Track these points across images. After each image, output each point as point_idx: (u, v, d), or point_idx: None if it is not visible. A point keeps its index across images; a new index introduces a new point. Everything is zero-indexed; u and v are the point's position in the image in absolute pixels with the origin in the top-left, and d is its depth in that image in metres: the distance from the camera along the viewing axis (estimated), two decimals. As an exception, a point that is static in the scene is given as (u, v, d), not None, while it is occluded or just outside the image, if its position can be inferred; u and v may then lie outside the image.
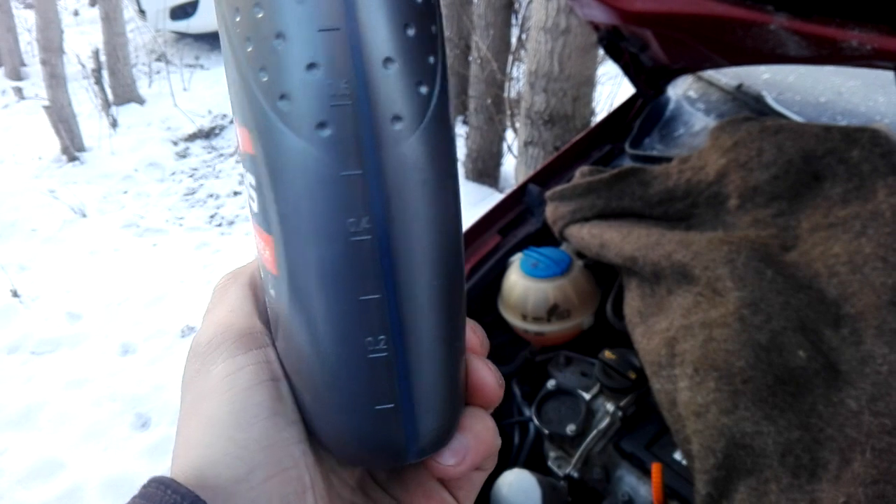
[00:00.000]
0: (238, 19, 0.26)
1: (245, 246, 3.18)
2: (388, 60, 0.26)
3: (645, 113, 1.36)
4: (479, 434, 0.33)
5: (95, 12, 5.51)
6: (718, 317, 0.83)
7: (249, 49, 0.26)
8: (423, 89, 0.27)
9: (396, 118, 0.26)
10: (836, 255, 0.86)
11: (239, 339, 0.31)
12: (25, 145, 4.37)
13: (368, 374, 0.29)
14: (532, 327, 1.10)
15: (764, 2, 0.98)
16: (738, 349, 0.79)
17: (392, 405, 0.29)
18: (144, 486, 0.28)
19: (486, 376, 0.33)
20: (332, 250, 0.27)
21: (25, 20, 5.58)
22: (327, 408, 0.30)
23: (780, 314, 0.81)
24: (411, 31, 0.26)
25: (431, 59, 0.27)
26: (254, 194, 0.29)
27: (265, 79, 0.26)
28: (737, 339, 0.80)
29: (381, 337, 0.28)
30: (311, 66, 0.25)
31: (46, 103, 4.07)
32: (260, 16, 0.26)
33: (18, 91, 5.18)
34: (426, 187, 0.28)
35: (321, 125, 0.26)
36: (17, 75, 5.56)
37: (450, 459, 0.32)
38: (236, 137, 0.30)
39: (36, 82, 5.10)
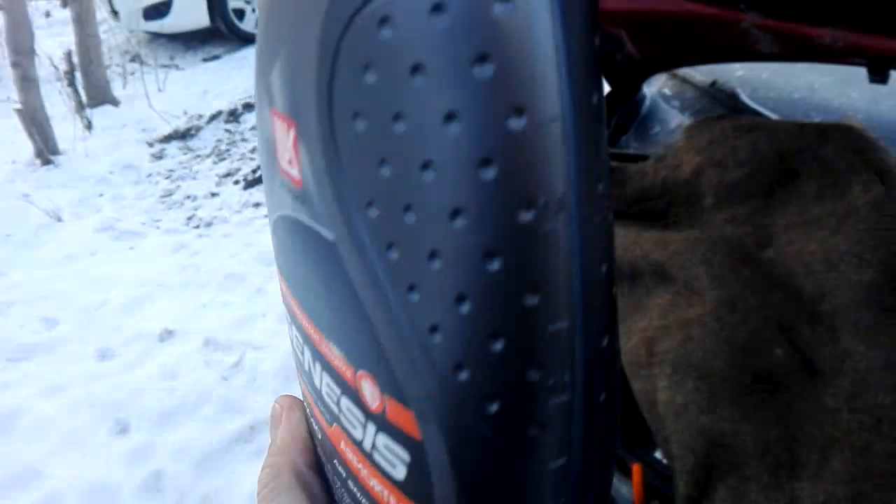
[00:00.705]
0: (417, 299, 0.21)
1: (223, 247, 3.15)
2: (602, 336, 0.22)
3: (620, 111, 1.36)
4: None
5: (67, 13, 5.42)
6: (696, 316, 0.83)
7: (439, 339, 0.21)
8: (617, 342, 0.23)
9: (601, 392, 0.22)
10: (811, 252, 0.86)
11: None
12: (-2, 146, 4.30)
13: None
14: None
15: (735, 1, 0.99)
16: (716, 348, 0.79)
17: None
18: None
19: None
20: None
21: (-5, 21, 5.48)
22: None
23: (757, 313, 0.81)
24: (616, 289, 0.23)
25: (615, 289, 0.24)
26: (399, 466, 0.24)
27: (465, 378, 0.21)
28: (714, 338, 0.80)
29: None
30: (535, 367, 0.21)
31: (18, 106, 4.00)
32: (465, 311, 0.20)
33: (-11, 92, 5.09)
34: (613, 447, 0.25)
35: (537, 427, 0.21)
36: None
37: None
38: (364, 392, 0.25)
39: (7, 85, 5.01)
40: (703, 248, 0.90)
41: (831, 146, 0.96)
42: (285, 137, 0.25)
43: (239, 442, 2.04)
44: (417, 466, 0.24)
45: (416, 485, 0.24)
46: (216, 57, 5.73)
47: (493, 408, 0.21)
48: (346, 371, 0.26)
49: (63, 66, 4.35)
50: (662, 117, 1.33)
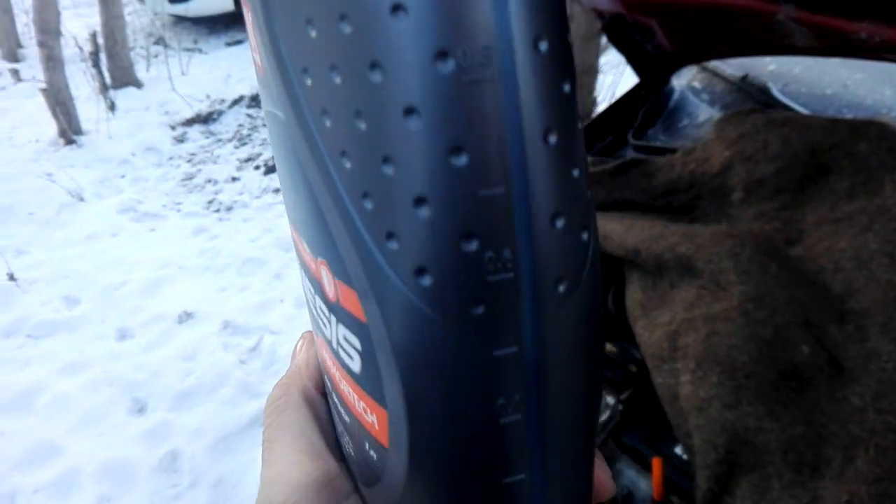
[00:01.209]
0: (349, 166, 0.21)
1: (242, 231, 3.16)
2: (556, 215, 0.21)
3: (649, 103, 1.34)
4: None
5: (93, -6, 5.46)
6: (722, 311, 0.83)
7: (370, 206, 0.21)
8: (585, 235, 0.22)
9: (560, 280, 0.21)
10: (841, 250, 0.85)
11: (318, 495, 0.26)
12: (22, 128, 4.34)
13: None
14: (532, 318, 1.10)
15: (772, -8, 0.97)
16: (742, 344, 0.78)
17: None
18: None
19: (605, 480, 0.29)
20: (475, 432, 0.23)
21: (22, 1, 5.53)
22: None
23: (785, 309, 0.80)
24: (577, 172, 0.21)
25: (589, 193, 0.22)
26: (355, 356, 0.24)
27: (396, 247, 0.20)
28: (740, 333, 0.79)
29: None
30: (467, 236, 0.20)
31: (44, 86, 4.04)
32: (390, 172, 0.20)
33: (15, 73, 5.14)
34: (583, 347, 0.23)
35: (475, 303, 0.21)
36: (13, 57, 5.51)
37: None
38: (324, 281, 0.24)
39: (33, 64, 5.06)
40: (731, 242, 0.89)
41: (864, 143, 0.94)
42: (249, 24, 0.24)
43: (255, 425, 2.05)
44: (367, 354, 0.24)
45: (368, 376, 0.24)
46: (239, 41, 5.74)
47: (427, 280, 0.20)
48: (312, 263, 0.25)
49: (88, 47, 4.39)
50: (691, 110, 1.32)
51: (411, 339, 0.22)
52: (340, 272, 0.23)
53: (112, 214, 3.38)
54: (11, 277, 2.88)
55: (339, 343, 0.25)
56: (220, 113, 4.59)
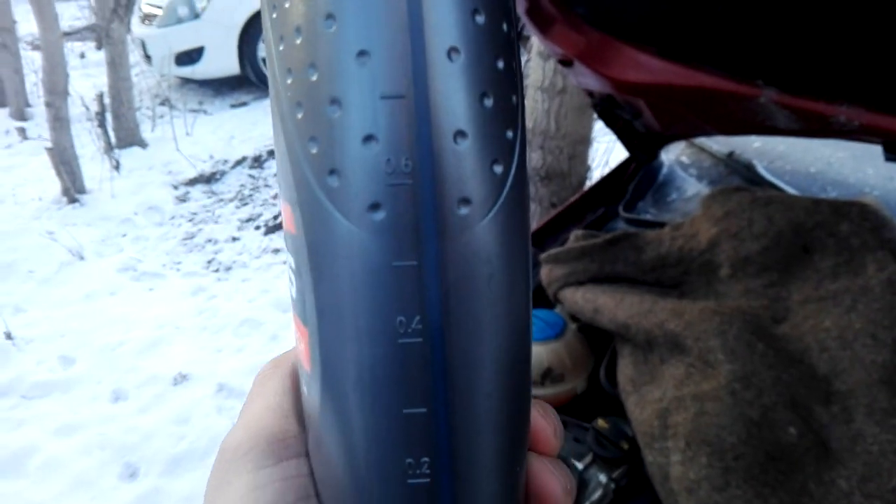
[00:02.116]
0: (290, 81, 0.23)
1: (241, 291, 3.18)
2: (459, 134, 0.22)
3: (639, 177, 1.38)
4: None
5: (101, 56, 5.61)
6: (710, 390, 0.84)
7: (300, 116, 0.22)
8: (498, 168, 0.23)
9: (464, 201, 0.22)
10: (826, 329, 0.87)
11: (269, 445, 0.27)
12: (26, 186, 4.40)
13: (406, 502, 0.24)
14: (525, 391, 1.10)
15: (753, 76, 1.01)
16: (730, 424, 0.79)
17: None
18: None
19: (551, 485, 0.28)
20: (376, 352, 0.23)
21: (32, 61, 5.67)
22: None
23: (772, 389, 0.81)
24: (489, 102, 0.22)
25: (510, 134, 0.23)
26: (293, 278, 0.25)
27: (315, 150, 0.22)
28: (728, 413, 0.80)
29: (425, 459, 0.24)
30: (368, 138, 0.21)
31: (49, 145, 4.11)
32: (314, 78, 0.22)
33: (22, 131, 5.24)
34: (493, 284, 0.23)
35: (374, 207, 0.22)
36: (21, 116, 5.62)
37: None
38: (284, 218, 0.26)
39: (39, 123, 5.16)
40: (719, 320, 0.90)
41: (847, 223, 0.97)
42: None
43: (247, 490, 2.03)
44: (297, 272, 0.25)
45: (298, 297, 0.25)
46: (244, 104, 5.86)
47: (335, 181, 0.22)
48: (284, 214, 0.26)
49: (95, 107, 4.48)
50: (680, 185, 1.35)
51: (322, 241, 0.23)
52: (283, 191, 0.24)
53: (112, 273, 3.39)
54: (9, 336, 2.88)
55: (290, 280, 0.26)
56: (223, 173, 4.66)
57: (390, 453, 0.24)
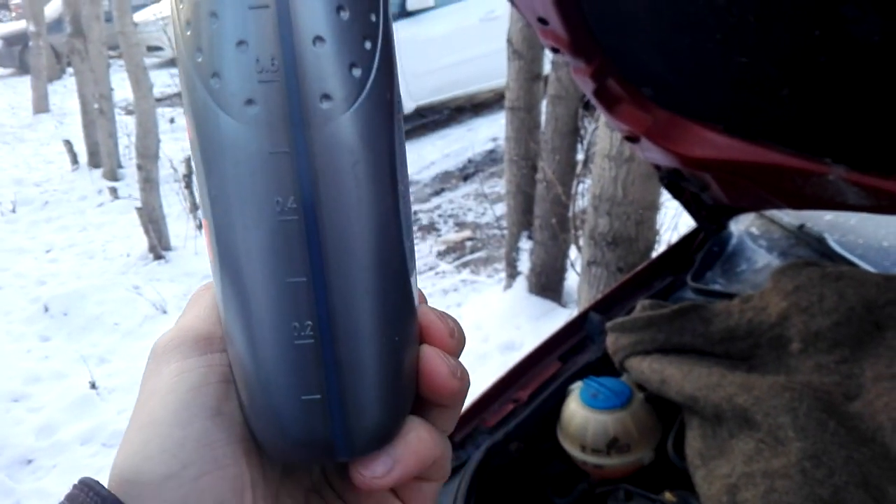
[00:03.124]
0: (182, 6, 0.27)
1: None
2: (318, 39, 0.26)
3: (707, 247, 1.39)
4: (411, 443, 0.30)
5: (190, 121, 5.94)
6: (780, 467, 0.83)
7: (189, 32, 0.27)
8: (357, 72, 0.27)
9: (325, 97, 0.26)
10: (900, 408, 0.85)
11: (196, 342, 0.31)
12: (115, 242, 4.67)
13: (294, 361, 0.28)
14: (591, 459, 1.11)
15: (822, 153, 1.03)
16: (800, 503, 0.79)
17: (318, 396, 0.28)
18: (72, 487, 0.29)
19: (438, 366, 0.31)
20: (259, 230, 0.27)
21: (126, 125, 6.07)
22: (254, 398, 0.29)
23: (843, 468, 0.81)
24: (345, 15, 0.26)
25: (368, 45, 0.27)
26: (196, 181, 0.29)
27: (200, 59, 0.27)
28: (798, 492, 0.80)
29: (308, 322, 0.27)
30: (240, 43, 0.26)
31: (139, 205, 4.37)
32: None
33: (113, 191, 5.58)
34: (357, 169, 0.27)
35: (249, 102, 0.26)
36: (113, 176, 6.00)
37: (374, 469, 0.29)
38: None
39: (130, 183, 5.49)
40: (789, 396, 0.90)
41: (921, 300, 0.96)
42: None
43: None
44: (196, 175, 0.29)
45: (200, 196, 0.29)
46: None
47: (217, 83, 0.26)
48: None
49: (182, 170, 4.75)
50: (749, 256, 1.36)
51: (209, 137, 0.27)
52: (184, 106, 0.29)
53: (190, 327, 3.54)
54: (93, 386, 3.03)
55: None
56: (297, 232, 4.83)
57: (277, 318, 0.27)
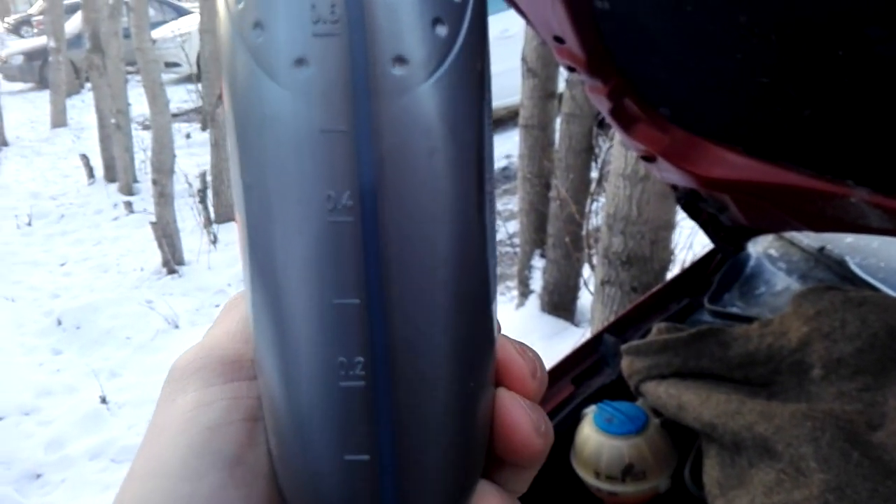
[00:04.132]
0: None
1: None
2: None
3: (725, 268, 1.37)
4: None
5: (206, 136, 6.00)
6: (802, 499, 0.81)
7: None
8: (442, 30, 0.21)
9: (400, 60, 0.20)
10: (928, 440, 0.83)
11: (220, 365, 0.26)
12: (130, 256, 4.70)
13: (337, 408, 0.21)
14: (605, 486, 1.08)
15: (844, 176, 1.00)
16: (824, 538, 0.76)
17: (367, 457, 0.21)
18: None
19: (519, 419, 0.25)
20: (302, 232, 0.21)
21: (142, 140, 6.12)
22: (286, 449, 0.23)
23: (868, 501, 0.78)
24: None
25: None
26: (231, 167, 0.23)
27: (241, 5, 0.21)
28: (822, 526, 0.77)
29: (359, 359, 0.21)
30: None
31: (153, 219, 4.40)
32: None
33: (128, 205, 5.62)
34: (436, 159, 0.21)
35: (300, 62, 0.20)
36: (128, 190, 6.04)
37: None
38: None
39: (145, 198, 5.53)
40: (811, 425, 0.88)
41: (948, 327, 0.93)
42: None
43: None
44: (231, 159, 0.23)
45: (234, 186, 0.23)
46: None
47: (259, 36, 0.20)
48: None
49: (197, 185, 4.78)
50: (768, 278, 1.33)
51: (247, 107, 0.21)
52: (222, 72, 0.23)
53: (202, 342, 3.54)
54: (103, 400, 3.03)
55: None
56: (309, 247, 4.83)
57: (320, 351, 0.21)
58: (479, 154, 0.22)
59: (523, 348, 0.26)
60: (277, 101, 0.20)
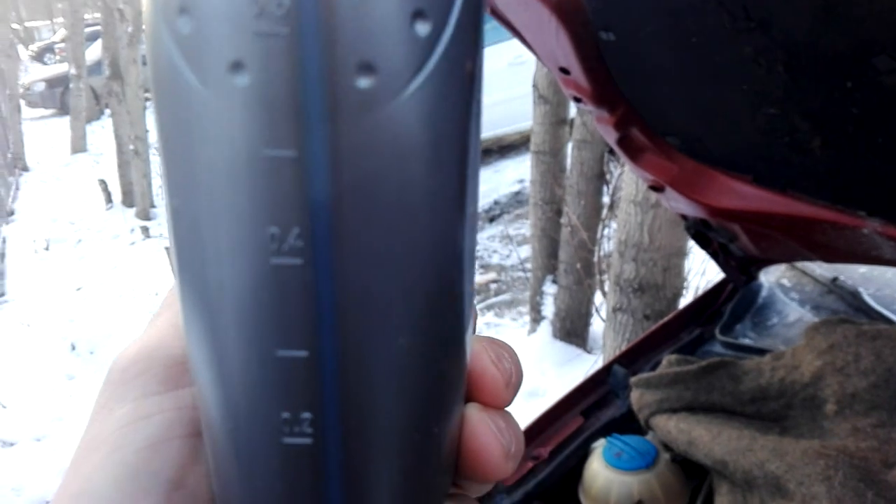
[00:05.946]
0: None
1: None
2: None
3: (736, 298, 1.35)
4: None
5: (221, 162, 6.04)
6: (815, 542, 0.78)
7: None
8: (423, 27, 0.16)
9: (367, 68, 0.15)
10: (946, 481, 0.80)
11: (164, 369, 0.23)
12: (145, 280, 4.72)
13: (280, 468, 0.18)
14: (615, 523, 1.06)
15: (856, 206, 0.99)
16: (838, 583, 0.73)
17: None
18: None
19: (490, 443, 0.22)
20: (239, 273, 0.17)
21: (160, 166, 6.18)
22: (227, 494, 0.20)
23: (885, 546, 0.75)
24: None
25: None
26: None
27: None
28: (836, 571, 0.74)
29: (306, 415, 0.18)
30: None
31: (168, 245, 4.42)
32: None
33: (145, 230, 5.68)
34: (409, 191, 0.17)
35: (237, 66, 0.15)
36: (145, 215, 6.10)
37: None
38: None
39: (162, 223, 5.59)
40: (823, 463, 0.85)
41: (966, 362, 0.91)
42: None
43: None
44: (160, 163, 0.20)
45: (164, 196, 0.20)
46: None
47: (185, 25, 0.15)
48: None
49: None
50: (781, 308, 1.31)
51: (174, 115, 0.16)
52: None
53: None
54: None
55: None
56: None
57: (260, 405, 0.18)
58: (462, 175, 0.18)
59: (499, 354, 0.23)
60: (209, 113, 0.16)
